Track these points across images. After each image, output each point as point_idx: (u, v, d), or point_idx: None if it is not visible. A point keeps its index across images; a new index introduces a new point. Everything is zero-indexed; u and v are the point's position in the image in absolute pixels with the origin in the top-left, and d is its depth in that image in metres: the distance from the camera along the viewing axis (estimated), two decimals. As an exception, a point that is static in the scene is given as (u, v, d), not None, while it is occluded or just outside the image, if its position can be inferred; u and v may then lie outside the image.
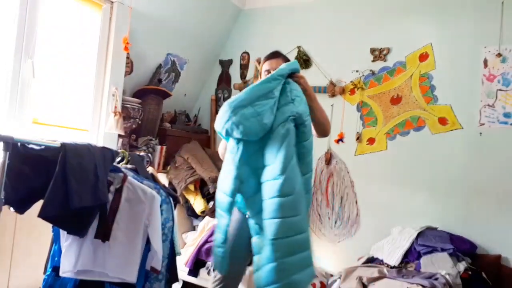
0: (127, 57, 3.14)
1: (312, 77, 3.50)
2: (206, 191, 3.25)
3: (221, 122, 1.70)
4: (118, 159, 2.12)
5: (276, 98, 1.71)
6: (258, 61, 3.82)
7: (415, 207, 3.03)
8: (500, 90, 2.80)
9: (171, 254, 2.09)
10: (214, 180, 3.14)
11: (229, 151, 1.77)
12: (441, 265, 2.48)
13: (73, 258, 1.85)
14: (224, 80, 4.04)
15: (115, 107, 3.02)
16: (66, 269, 1.85)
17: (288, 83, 1.79)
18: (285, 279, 1.61)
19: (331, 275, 3.00)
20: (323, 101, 3.41)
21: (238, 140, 1.71)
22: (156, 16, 3.32)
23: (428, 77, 3.06)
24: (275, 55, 2.09)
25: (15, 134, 1.65)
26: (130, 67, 3.19)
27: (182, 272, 3.00)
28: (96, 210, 1.85)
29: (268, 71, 2.00)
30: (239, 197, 1.86)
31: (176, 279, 2.12)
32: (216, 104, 4.03)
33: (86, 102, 3.00)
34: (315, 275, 1.85)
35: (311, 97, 1.90)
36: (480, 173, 2.83)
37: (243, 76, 3.94)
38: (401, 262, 2.67)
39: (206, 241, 3.04)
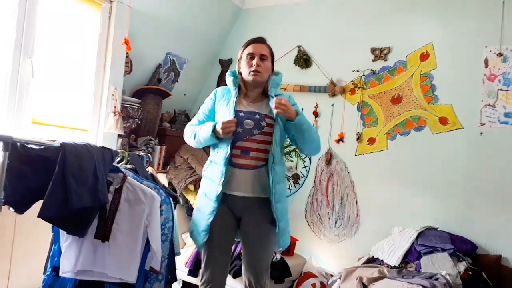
0: (127, 57, 3.13)
1: (312, 76, 3.51)
2: (206, 191, 3.23)
3: None
4: (118, 159, 2.12)
5: None
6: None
7: (416, 207, 3.02)
8: (501, 90, 2.79)
9: (171, 254, 2.08)
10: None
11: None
12: (442, 265, 2.47)
13: (73, 258, 1.85)
14: (224, 80, 4.00)
15: (115, 107, 3.01)
16: (66, 269, 1.85)
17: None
18: None
19: (331, 275, 3.00)
20: (323, 100, 3.46)
21: None
22: (155, 15, 3.31)
23: (429, 76, 3.06)
24: (261, 41, 2.12)
25: (14, 134, 1.63)
26: (129, 66, 3.18)
27: (182, 272, 2.99)
28: (96, 210, 1.84)
29: (251, 55, 2.05)
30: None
31: (174, 279, 2.12)
32: (216, 103, 4.00)
33: (86, 101, 2.99)
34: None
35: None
36: (481, 173, 2.82)
37: (243, 75, 3.92)
38: (401, 262, 2.67)
39: (206, 241, 3.03)
